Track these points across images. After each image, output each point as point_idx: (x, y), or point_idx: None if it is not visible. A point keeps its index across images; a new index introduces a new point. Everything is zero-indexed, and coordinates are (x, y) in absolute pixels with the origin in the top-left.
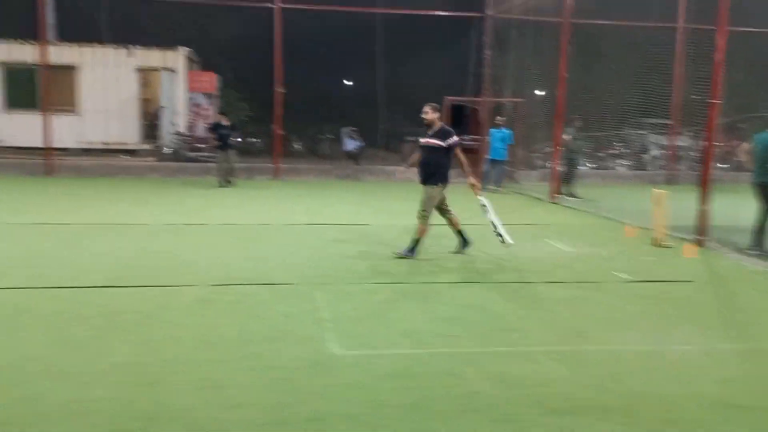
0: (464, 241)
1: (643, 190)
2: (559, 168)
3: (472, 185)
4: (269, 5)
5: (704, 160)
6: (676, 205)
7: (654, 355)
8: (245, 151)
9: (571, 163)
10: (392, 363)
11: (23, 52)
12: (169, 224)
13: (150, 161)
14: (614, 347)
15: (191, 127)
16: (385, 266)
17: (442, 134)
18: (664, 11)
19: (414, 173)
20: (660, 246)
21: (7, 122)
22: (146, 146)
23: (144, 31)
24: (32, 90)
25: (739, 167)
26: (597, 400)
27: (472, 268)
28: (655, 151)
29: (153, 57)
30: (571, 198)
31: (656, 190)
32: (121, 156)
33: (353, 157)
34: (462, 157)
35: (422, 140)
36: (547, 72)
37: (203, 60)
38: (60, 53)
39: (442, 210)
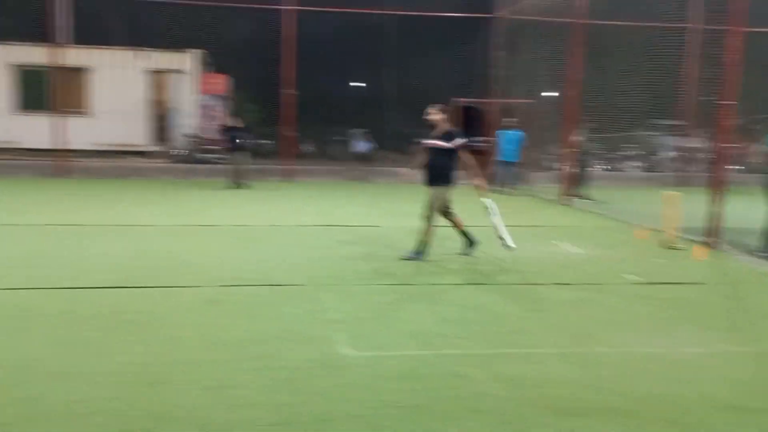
0: (470, 242)
1: (655, 191)
2: (570, 170)
3: (478, 186)
4: (279, 7)
5: (716, 162)
6: (687, 207)
7: (663, 357)
8: (256, 153)
9: (582, 165)
10: (399, 364)
11: (36, 55)
12: (178, 225)
13: (161, 163)
14: (623, 349)
15: (202, 129)
16: (393, 268)
17: (447, 135)
18: (676, 11)
19: (417, 174)
20: (671, 248)
21: (20, 124)
22: (157, 148)
23: (156, 34)
24: (45, 92)
25: (752, 169)
26: (605, 402)
27: (480, 270)
28: (667, 153)
29: (164, 59)
30: (581, 200)
31: (667, 191)
32: (132, 157)
33: (363, 158)
34: (467, 158)
35: (427, 141)
36: (558, 73)
37: (215, 62)
38: (72, 55)
39: (445, 212)
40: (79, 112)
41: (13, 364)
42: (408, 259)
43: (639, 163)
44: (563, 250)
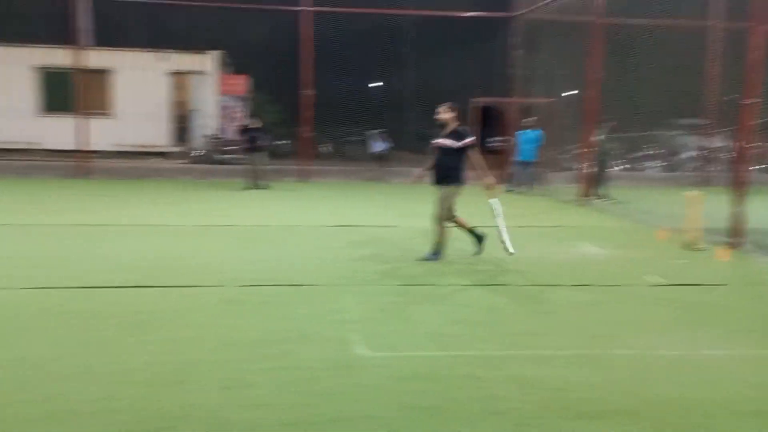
0: (478, 238)
1: (676, 192)
2: (590, 170)
3: (488, 187)
4: (297, 8)
5: (738, 162)
6: (709, 207)
7: (684, 359)
8: (275, 154)
9: (602, 165)
10: (414, 365)
11: (60, 57)
12: (197, 225)
13: (181, 163)
14: (643, 351)
15: (222, 129)
16: (409, 269)
17: (456, 135)
18: (697, 9)
19: (425, 176)
20: (692, 249)
21: (43, 125)
22: (178, 149)
23: (177, 35)
24: (68, 94)
25: None
26: (624, 405)
27: (498, 271)
28: (688, 153)
29: (185, 61)
30: (601, 200)
31: (689, 192)
32: (153, 158)
33: (380, 158)
34: (476, 158)
35: (436, 141)
36: (577, 72)
37: (235, 63)
38: (95, 57)
39: (449, 212)
40: (102, 114)
41: (33, 362)
42: (425, 260)
43: (660, 163)
44: (582, 251)
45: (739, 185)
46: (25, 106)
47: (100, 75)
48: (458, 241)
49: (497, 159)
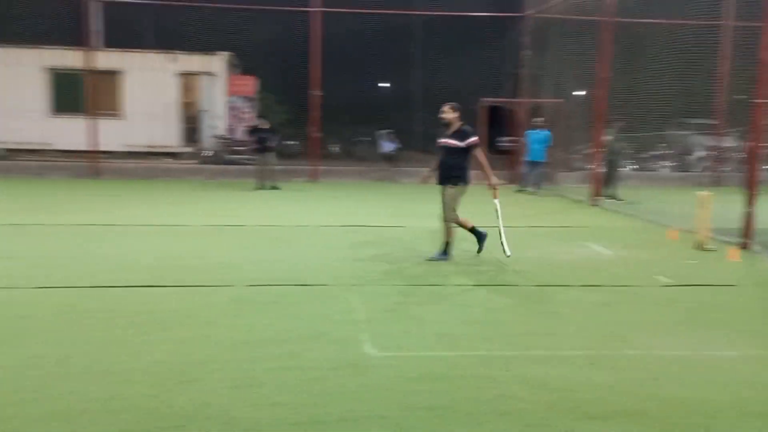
0: (479, 235)
1: (687, 192)
2: (600, 170)
3: (493, 187)
4: (306, 9)
5: (750, 162)
6: (720, 207)
7: (693, 360)
8: (283, 154)
9: (612, 165)
10: (425, 365)
11: (70, 58)
12: (207, 225)
13: (191, 164)
14: (653, 352)
15: (231, 130)
16: (418, 269)
17: (460, 134)
18: (709, 8)
19: (430, 176)
20: (703, 249)
21: (54, 126)
22: (187, 149)
23: (186, 37)
24: (78, 94)
25: None
26: (634, 406)
27: (506, 271)
28: (699, 153)
29: (194, 62)
30: (611, 200)
31: (700, 192)
32: (164, 159)
33: (390, 159)
34: (482, 158)
35: (440, 140)
36: (587, 72)
37: (243, 64)
38: (105, 59)
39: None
40: (112, 115)
41: (49, 361)
42: (433, 260)
43: (670, 163)
44: (592, 252)
45: (750, 185)
46: (36, 107)
47: (110, 76)
48: (466, 242)
49: (507, 159)
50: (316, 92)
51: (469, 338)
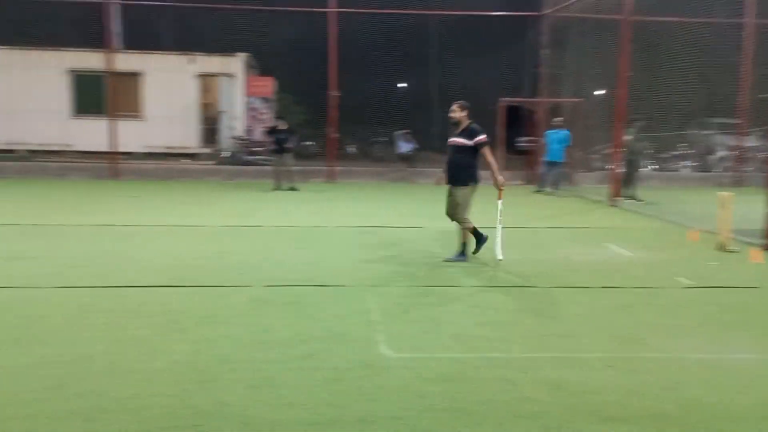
0: (479, 237)
1: (708, 192)
2: (619, 170)
3: (499, 187)
4: (324, 10)
5: None
6: (742, 208)
7: (715, 363)
8: (301, 155)
9: (632, 165)
10: (442, 366)
11: (90, 60)
12: (226, 226)
13: (209, 165)
14: (673, 355)
15: (249, 131)
16: (435, 270)
17: (468, 133)
18: (731, 6)
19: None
20: (725, 251)
21: (75, 127)
22: (206, 150)
23: (204, 38)
24: (99, 96)
25: None
26: (654, 409)
27: (526, 273)
28: (721, 152)
29: (213, 63)
30: (631, 201)
31: (722, 192)
32: (182, 160)
33: (407, 159)
34: (489, 157)
35: (449, 140)
36: (607, 71)
37: (261, 64)
38: (125, 60)
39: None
40: (133, 116)
41: (69, 360)
42: (450, 262)
43: (692, 163)
44: (611, 253)
45: None
46: (58, 108)
47: (130, 78)
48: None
49: (526, 159)
50: (334, 93)
51: (486, 340)
